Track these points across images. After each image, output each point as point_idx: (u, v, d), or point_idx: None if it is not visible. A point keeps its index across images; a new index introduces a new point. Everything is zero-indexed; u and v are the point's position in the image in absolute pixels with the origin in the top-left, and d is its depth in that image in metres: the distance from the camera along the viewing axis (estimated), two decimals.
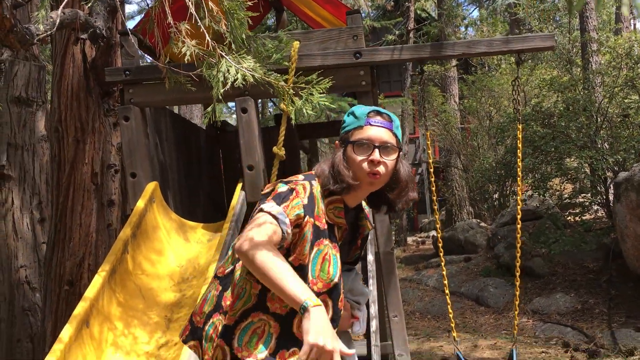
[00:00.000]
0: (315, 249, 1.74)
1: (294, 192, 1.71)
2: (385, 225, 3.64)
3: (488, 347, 6.80)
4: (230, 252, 1.84)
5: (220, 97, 1.96)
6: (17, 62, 6.40)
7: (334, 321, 1.76)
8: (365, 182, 1.77)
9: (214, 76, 1.94)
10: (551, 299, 7.80)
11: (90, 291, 2.69)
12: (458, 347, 3.39)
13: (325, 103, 1.90)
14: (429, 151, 3.46)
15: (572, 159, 9.03)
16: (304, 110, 1.87)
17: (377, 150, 1.76)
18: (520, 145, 3.37)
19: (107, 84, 4.20)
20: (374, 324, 3.23)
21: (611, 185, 8.33)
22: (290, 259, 1.69)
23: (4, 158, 6.30)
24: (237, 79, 1.88)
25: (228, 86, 1.93)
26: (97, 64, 4.24)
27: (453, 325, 3.38)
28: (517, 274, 3.45)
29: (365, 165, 1.76)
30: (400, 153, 1.84)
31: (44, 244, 6.28)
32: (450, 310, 3.38)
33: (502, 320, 7.86)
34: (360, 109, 1.85)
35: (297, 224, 1.69)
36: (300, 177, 1.80)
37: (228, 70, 1.88)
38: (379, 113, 1.83)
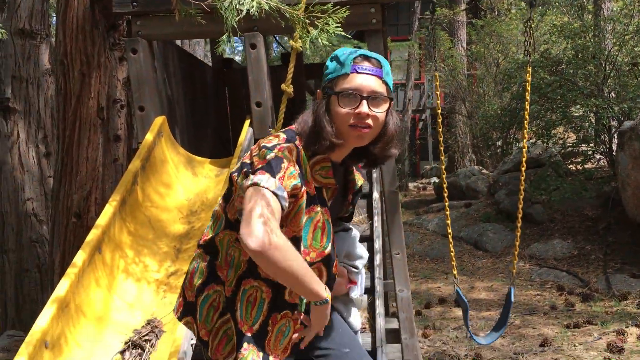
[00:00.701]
0: (305, 217, 1.61)
1: (285, 159, 1.53)
2: (391, 165, 3.68)
3: (484, 289, 6.98)
4: (211, 221, 1.73)
5: (235, 25, 1.95)
6: None
7: (328, 285, 1.70)
8: (351, 136, 1.60)
9: (229, 4, 1.92)
10: (548, 245, 7.94)
11: (102, 219, 2.76)
12: (458, 284, 3.48)
13: (342, 33, 1.87)
14: (437, 92, 3.46)
15: (578, 108, 8.99)
16: (320, 41, 1.86)
17: (365, 102, 1.57)
18: (528, 88, 3.35)
19: (113, 16, 4.15)
20: (378, 258, 3.32)
21: (615, 135, 8.33)
22: (283, 230, 1.54)
23: (9, 91, 6.29)
24: (252, 7, 1.86)
25: (243, 14, 1.92)
26: None
27: (454, 263, 3.46)
28: (519, 216, 3.50)
29: (351, 119, 1.57)
30: (392, 103, 1.64)
31: (50, 177, 6.35)
32: (451, 249, 3.45)
33: (499, 265, 8.03)
34: (345, 54, 1.62)
35: (293, 194, 1.54)
36: (282, 135, 1.61)
37: None
38: (366, 58, 1.61)
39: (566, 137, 9.52)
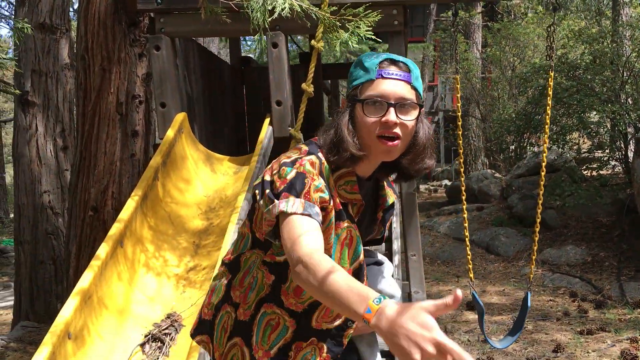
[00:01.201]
0: (332, 234, 1.48)
1: (308, 174, 1.40)
2: None
3: (496, 293, 6.96)
4: (237, 239, 1.63)
5: (267, 26, 1.96)
6: None
7: None
8: (378, 151, 1.46)
9: (260, 5, 1.94)
10: (562, 251, 7.90)
11: (124, 213, 2.78)
12: (474, 287, 3.48)
13: (372, 37, 1.88)
14: (458, 95, 3.46)
15: (594, 114, 8.94)
16: (350, 43, 1.87)
17: (392, 110, 1.43)
18: (550, 92, 3.35)
19: (134, 13, 4.19)
20: (397, 259, 3.33)
21: (631, 141, 8.28)
22: None
23: (28, 84, 6.35)
24: (284, 8, 1.87)
25: (275, 15, 1.93)
26: None
27: (470, 266, 3.47)
28: (538, 221, 3.50)
29: (378, 128, 1.44)
30: (422, 110, 1.50)
31: (66, 170, 6.41)
32: (468, 252, 3.46)
33: (511, 269, 8.00)
34: (370, 59, 1.48)
35: (322, 207, 1.41)
36: (303, 148, 1.49)
37: None
38: (393, 62, 1.47)
39: (581, 142, 9.48)
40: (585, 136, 9.43)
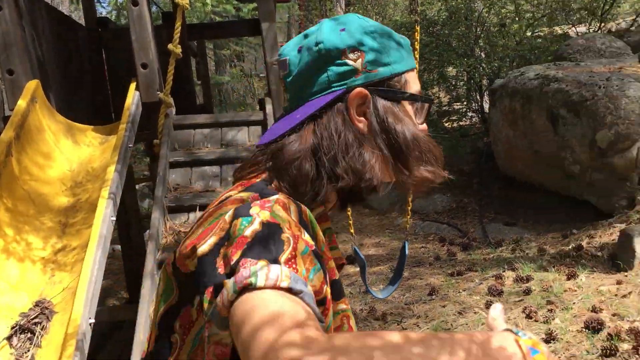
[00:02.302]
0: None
1: (283, 224, 0.77)
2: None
3: (373, 245, 7.24)
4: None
5: None
6: None
7: None
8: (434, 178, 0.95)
9: None
10: (429, 200, 8.37)
11: None
12: (355, 242, 3.56)
13: None
14: None
15: (451, 68, 9.44)
16: None
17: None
18: (417, 47, 3.44)
19: None
20: None
21: (485, 93, 8.87)
22: None
23: None
24: None
25: None
26: None
27: (351, 222, 3.54)
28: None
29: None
30: None
31: None
32: (348, 209, 3.51)
33: (385, 221, 8.35)
34: (397, 35, 0.98)
35: (321, 299, 0.78)
36: (259, 184, 0.87)
37: None
38: None
39: (442, 96, 10.00)
40: (445, 90, 9.95)
